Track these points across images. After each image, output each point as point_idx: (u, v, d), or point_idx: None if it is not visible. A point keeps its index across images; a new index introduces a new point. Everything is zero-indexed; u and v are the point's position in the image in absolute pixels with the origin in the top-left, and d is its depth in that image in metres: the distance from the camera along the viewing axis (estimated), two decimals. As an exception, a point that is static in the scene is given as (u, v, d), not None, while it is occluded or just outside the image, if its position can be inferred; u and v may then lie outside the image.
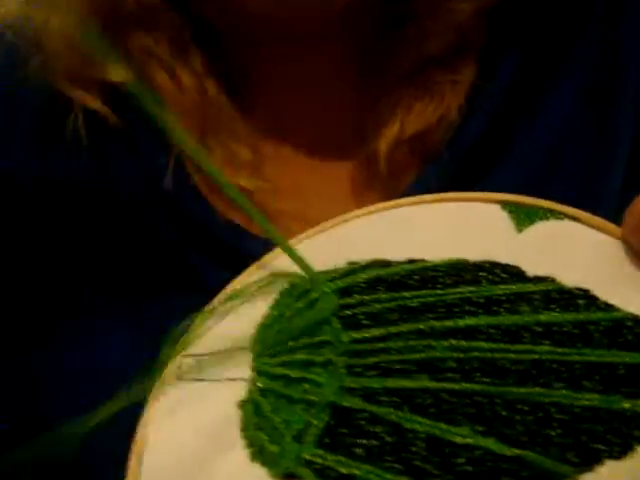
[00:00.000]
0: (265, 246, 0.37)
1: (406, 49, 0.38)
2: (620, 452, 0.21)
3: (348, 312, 0.25)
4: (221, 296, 0.28)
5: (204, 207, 0.38)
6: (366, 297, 0.25)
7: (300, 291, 0.26)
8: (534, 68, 0.39)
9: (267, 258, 0.29)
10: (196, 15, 0.38)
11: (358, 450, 0.22)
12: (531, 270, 0.26)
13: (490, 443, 0.21)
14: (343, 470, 0.22)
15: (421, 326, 0.24)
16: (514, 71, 0.39)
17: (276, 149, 0.40)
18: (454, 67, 0.38)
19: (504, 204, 0.28)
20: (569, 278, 0.25)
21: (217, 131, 0.38)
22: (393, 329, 0.24)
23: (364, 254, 0.28)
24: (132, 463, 0.25)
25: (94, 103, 0.38)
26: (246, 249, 0.35)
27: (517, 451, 0.21)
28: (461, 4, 0.37)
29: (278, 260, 0.28)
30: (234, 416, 0.24)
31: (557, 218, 0.28)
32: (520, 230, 0.27)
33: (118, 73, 0.38)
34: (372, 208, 0.30)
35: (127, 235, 0.39)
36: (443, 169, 0.38)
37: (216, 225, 0.37)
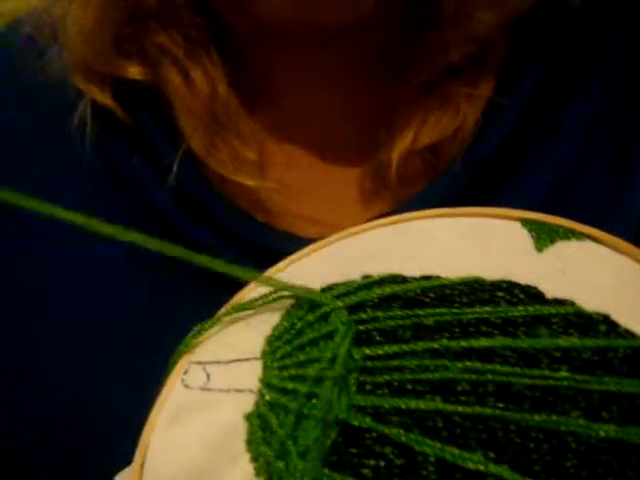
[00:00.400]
0: (276, 236, 0.37)
1: (425, 57, 0.38)
2: (637, 487, 0.20)
3: (361, 327, 0.24)
4: (228, 306, 0.28)
5: (214, 200, 0.38)
6: (380, 313, 0.25)
7: (311, 304, 0.26)
8: (554, 84, 0.39)
9: (274, 270, 0.28)
10: (214, 18, 0.38)
11: (365, 471, 0.21)
12: (550, 291, 0.25)
13: (502, 471, 0.21)
14: None
15: (435, 345, 0.23)
16: (533, 87, 0.38)
17: (284, 150, 0.40)
18: (472, 80, 0.38)
19: (525, 222, 0.28)
20: (589, 302, 0.25)
21: (224, 131, 0.38)
22: (407, 347, 0.24)
23: (378, 267, 0.27)
24: (134, 468, 0.25)
25: (104, 98, 0.38)
26: (257, 239, 0.36)
27: None
28: (484, 15, 0.36)
29: (286, 272, 0.28)
30: (240, 428, 0.24)
31: (578, 239, 0.27)
32: (540, 249, 0.27)
33: (133, 70, 0.38)
34: (387, 220, 0.29)
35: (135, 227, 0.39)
36: (453, 182, 0.37)
37: (227, 217, 0.37)
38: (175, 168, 0.37)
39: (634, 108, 0.38)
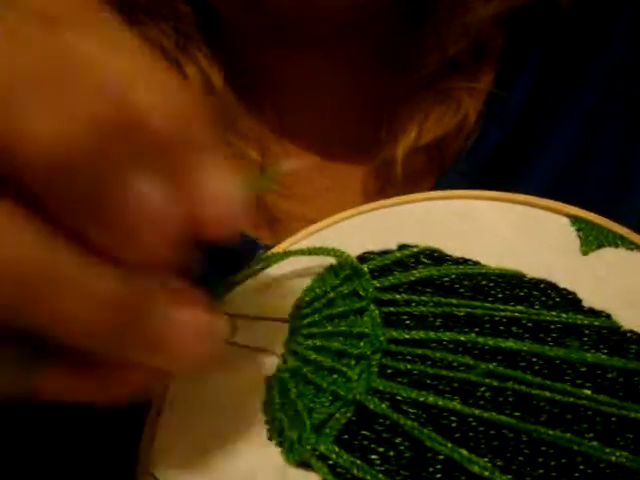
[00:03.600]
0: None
1: (423, 52, 0.37)
2: (637, 519, 0.21)
3: (392, 309, 0.24)
4: (261, 258, 0.28)
5: None
6: (414, 297, 0.25)
7: (345, 274, 0.26)
8: (555, 75, 0.38)
9: (314, 228, 0.28)
10: (206, 8, 0.37)
11: (374, 456, 0.22)
12: (588, 300, 0.25)
13: None
14: (356, 473, 0.22)
15: (462, 338, 0.23)
16: (535, 79, 0.37)
17: (286, 149, 0.39)
18: (472, 74, 0.37)
19: (575, 219, 0.27)
20: (626, 317, 0.24)
21: (223, 129, 0.37)
22: (434, 335, 0.24)
23: (419, 238, 0.27)
24: (150, 415, 0.25)
25: None
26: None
27: None
28: (479, 9, 0.35)
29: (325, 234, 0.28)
30: (259, 388, 0.24)
31: (627, 247, 0.26)
32: (585, 252, 0.26)
33: None
34: (440, 194, 0.29)
35: None
36: (461, 178, 0.37)
37: None
38: None
39: (638, 94, 0.37)
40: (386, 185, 0.37)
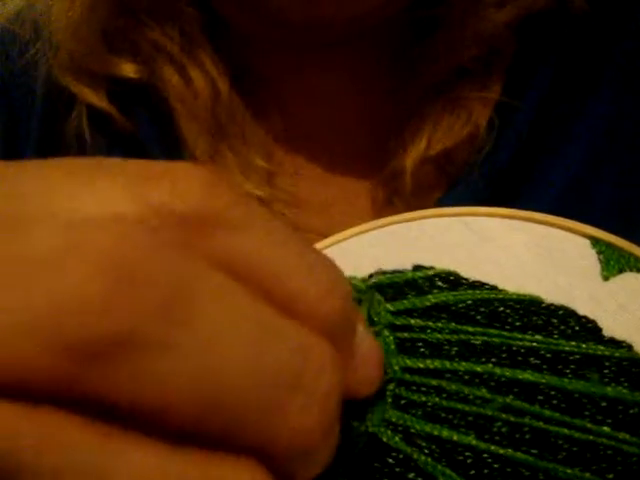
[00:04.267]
0: None
1: (434, 59, 0.36)
2: None
3: (407, 335, 0.24)
4: None
5: None
6: (430, 323, 0.24)
7: (358, 297, 0.25)
8: (567, 85, 0.37)
9: (321, 245, 0.27)
10: (211, 13, 0.36)
11: None
12: (608, 328, 0.24)
13: None
14: None
15: (479, 369, 0.23)
16: (546, 88, 0.37)
17: (292, 158, 0.38)
18: (483, 83, 0.36)
19: (596, 241, 0.26)
20: None
21: (229, 135, 0.36)
22: (449, 364, 0.23)
23: (435, 260, 0.26)
24: None
25: (99, 101, 0.35)
26: None
27: None
28: (492, 15, 0.34)
29: (334, 252, 0.27)
30: None
31: None
32: (606, 277, 0.25)
33: (126, 68, 0.35)
34: (452, 210, 0.28)
35: None
36: (472, 190, 0.36)
37: None
38: None
39: None
40: (394, 196, 0.37)
